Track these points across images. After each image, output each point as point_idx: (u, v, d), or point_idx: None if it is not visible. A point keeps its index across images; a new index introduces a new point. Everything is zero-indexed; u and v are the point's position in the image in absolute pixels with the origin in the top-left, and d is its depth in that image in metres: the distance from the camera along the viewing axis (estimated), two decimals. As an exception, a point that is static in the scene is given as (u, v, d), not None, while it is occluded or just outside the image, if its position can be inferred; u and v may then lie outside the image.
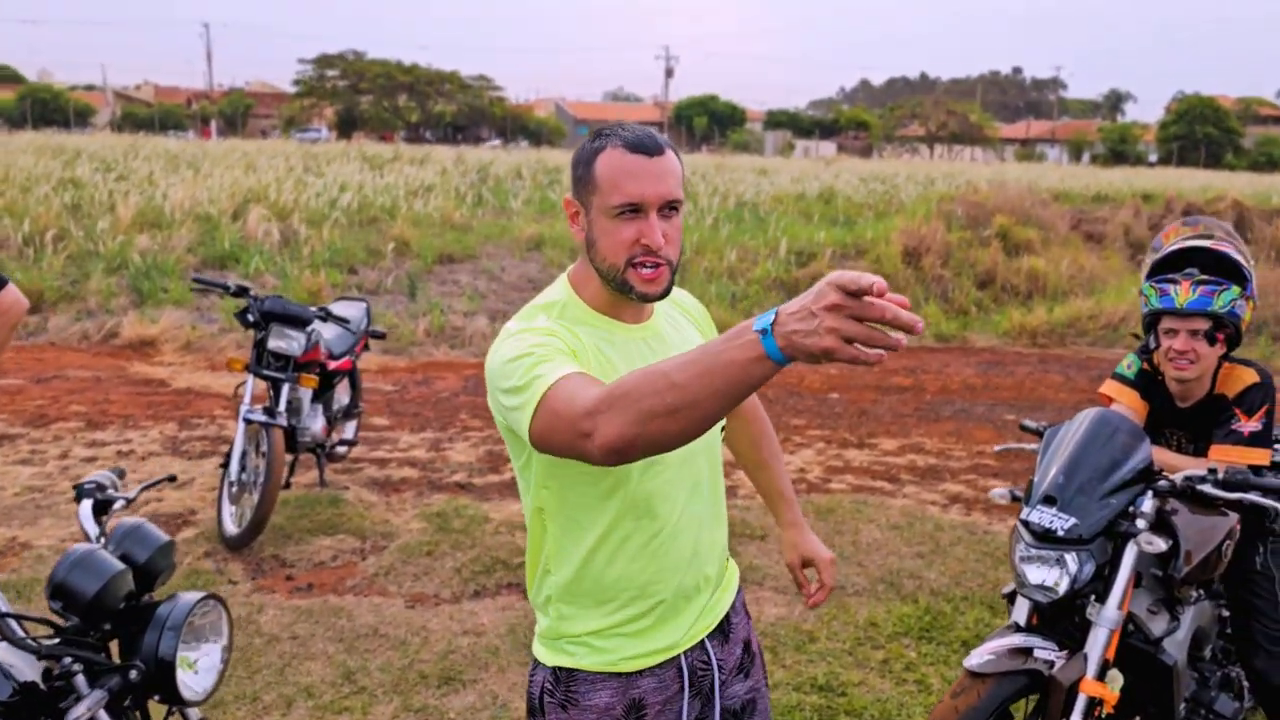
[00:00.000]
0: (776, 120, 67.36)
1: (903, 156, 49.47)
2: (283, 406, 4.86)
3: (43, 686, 1.69)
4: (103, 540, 1.79)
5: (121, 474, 2.02)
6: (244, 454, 4.79)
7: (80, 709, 1.61)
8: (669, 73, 69.20)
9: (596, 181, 1.61)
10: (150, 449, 6.37)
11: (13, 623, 1.69)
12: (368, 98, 57.64)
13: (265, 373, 4.90)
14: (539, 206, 16.71)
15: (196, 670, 1.77)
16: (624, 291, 1.63)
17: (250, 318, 4.89)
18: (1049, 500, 2.57)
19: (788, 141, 55.28)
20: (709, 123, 61.93)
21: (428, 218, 14.68)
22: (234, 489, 4.75)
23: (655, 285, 1.62)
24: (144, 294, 10.81)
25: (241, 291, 4.96)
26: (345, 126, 55.51)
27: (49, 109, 52.56)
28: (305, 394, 5.16)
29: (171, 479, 2.30)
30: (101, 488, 1.92)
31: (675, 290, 1.80)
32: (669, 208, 1.61)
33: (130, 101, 66.29)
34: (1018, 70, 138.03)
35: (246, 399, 4.89)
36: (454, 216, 14.94)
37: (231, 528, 4.71)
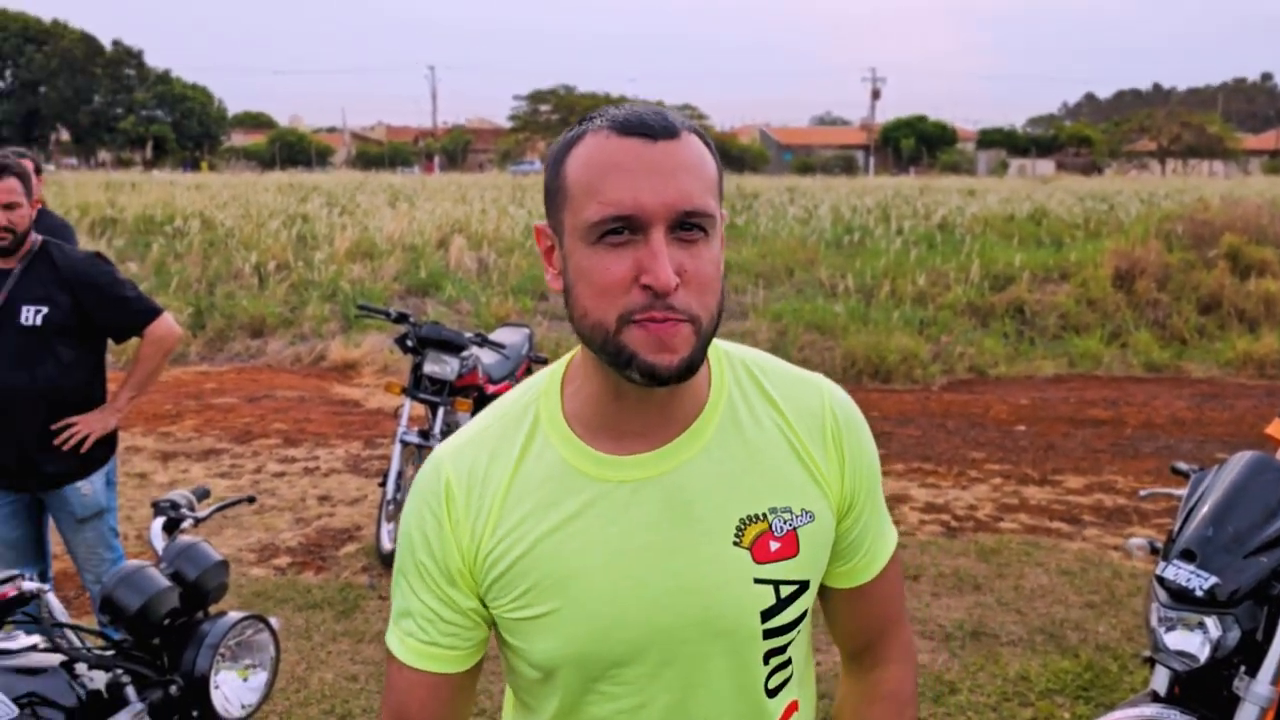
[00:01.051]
0: (990, 139, 64.76)
1: (1130, 173, 46.34)
2: (438, 429, 5.03)
3: (106, 696, 1.78)
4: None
5: (205, 494, 2.13)
6: (399, 474, 4.98)
7: (120, 717, 1.69)
8: (876, 94, 67.89)
9: (567, 188, 1.01)
10: (334, 466, 6.75)
11: (71, 634, 1.80)
12: (577, 130, 59.65)
13: (422, 396, 5.09)
14: (730, 231, 16.75)
15: (247, 680, 1.83)
16: (622, 370, 1.00)
17: (409, 343, 5.11)
18: (1188, 555, 2.28)
19: (1001, 161, 53.00)
20: (916, 144, 60.26)
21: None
22: (390, 507, 4.95)
23: (668, 355, 0.98)
24: (350, 320, 11.54)
25: (401, 318, 5.19)
26: (557, 158, 57.56)
27: (295, 150, 57.50)
28: (461, 417, 5.32)
29: (251, 500, 2.40)
30: (175, 505, 2.02)
31: (780, 371, 1.15)
32: (689, 224, 0.98)
33: (365, 141, 71.51)
34: (1267, 76, 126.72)
35: (403, 421, 5.10)
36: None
37: (387, 544, 4.91)
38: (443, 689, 1.12)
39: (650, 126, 0.98)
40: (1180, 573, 2.25)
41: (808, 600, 1.13)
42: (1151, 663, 2.42)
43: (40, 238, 3.28)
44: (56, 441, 3.23)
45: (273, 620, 1.90)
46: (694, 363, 1.00)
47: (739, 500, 1.07)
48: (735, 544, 1.07)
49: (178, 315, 11.40)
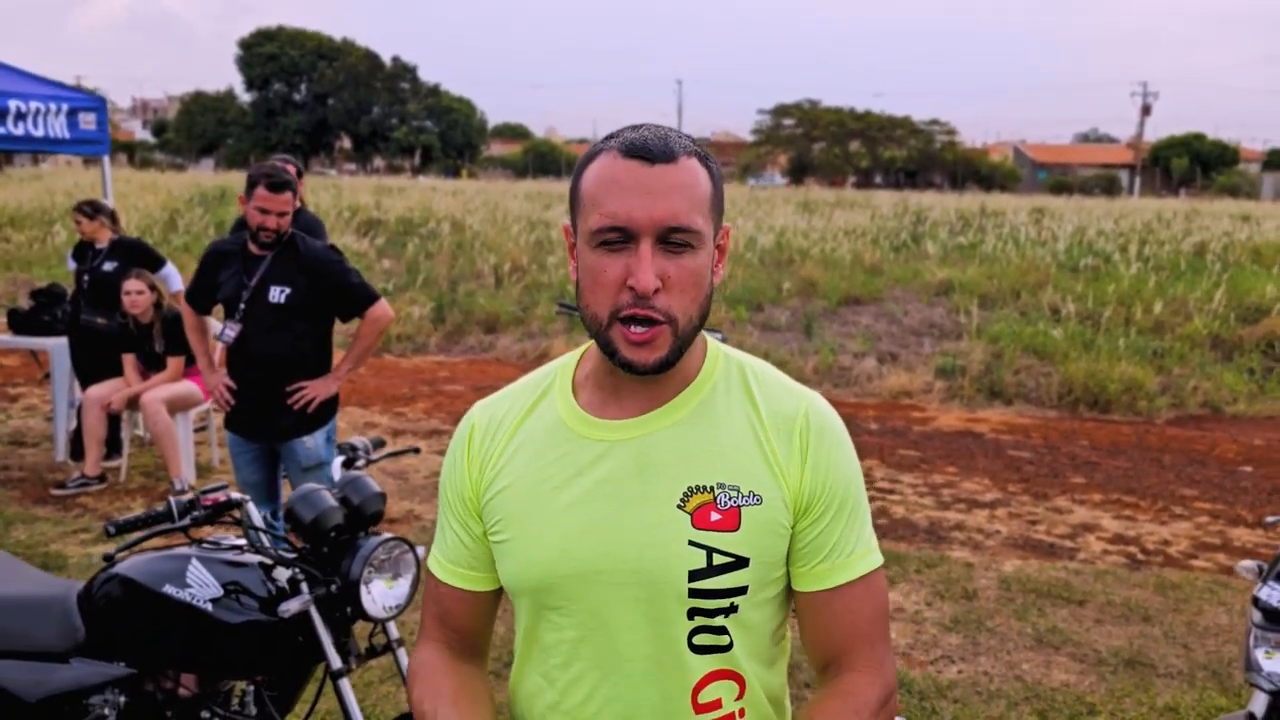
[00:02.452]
0: (1279, 160, 58.95)
1: None
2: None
3: (286, 589, 2.24)
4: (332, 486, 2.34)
5: (380, 443, 2.58)
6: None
7: (292, 605, 2.15)
8: (1146, 110, 63.39)
9: (581, 198, 1.21)
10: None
11: (264, 538, 2.28)
12: (820, 144, 59.47)
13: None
14: (959, 251, 16.35)
15: (392, 588, 2.25)
16: (610, 359, 1.20)
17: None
18: (1288, 577, 2.28)
19: (1288, 184, 48.16)
20: (1191, 164, 55.76)
21: (839, 260, 14.99)
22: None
23: (644, 353, 1.17)
24: (574, 321, 12.26)
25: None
26: (797, 173, 57.73)
27: (547, 160, 60.62)
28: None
29: (415, 451, 2.86)
30: (354, 448, 2.49)
31: (772, 379, 1.30)
32: (672, 240, 1.15)
33: (612, 153, 74.11)
34: None
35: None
36: (866, 259, 15.11)
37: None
38: (472, 602, 1.36)
39: (650, 151, 1.16)
40: (1274, 593, 2.26)
41: (745, 578, 1.21)
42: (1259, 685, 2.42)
43: (290, 230, 3.92)
44: (289, 401, 3.86)
45: (419, 549, 2.31)
46: (669, 360, 1.18)
47: (692, 471, 1.22)
48: (679, 507, 1.21)
49: (421, 309, 12.54)
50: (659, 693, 1.23)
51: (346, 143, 69.05)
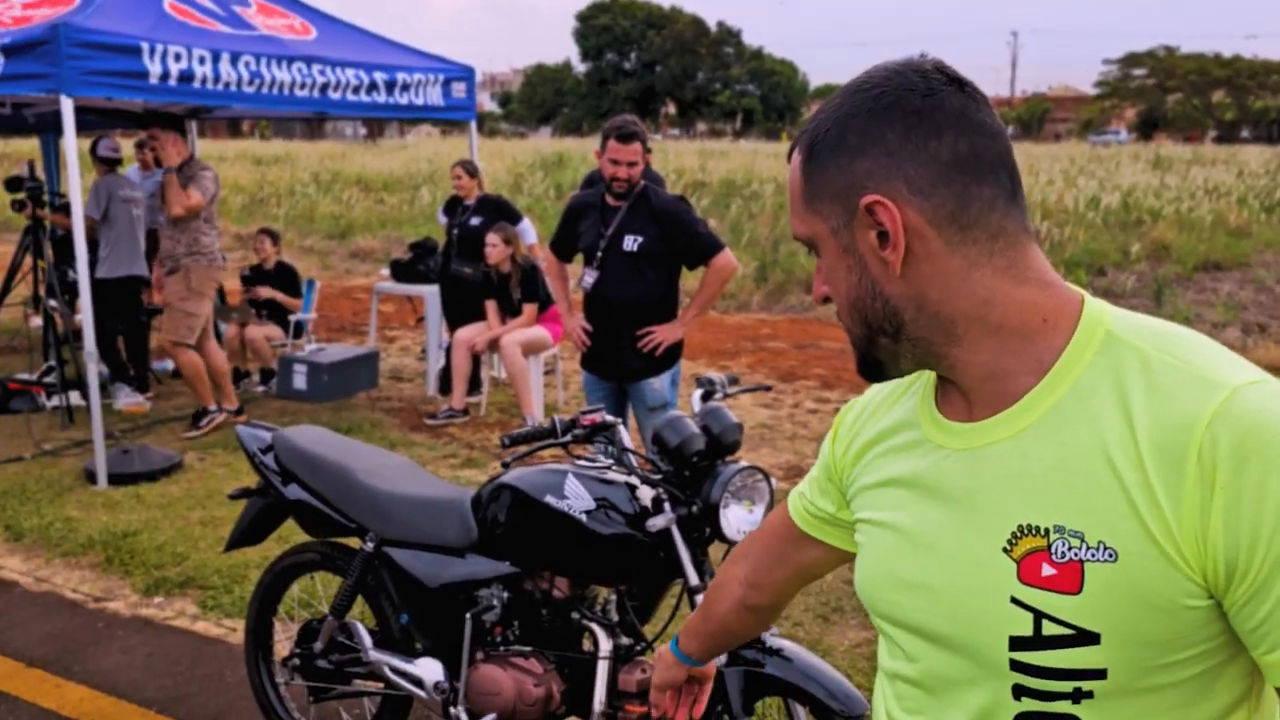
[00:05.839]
0: None
1: None
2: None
3: (650, 508, 2.43)
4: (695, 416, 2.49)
5: (735, 379, 2.71)
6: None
7: (659, 521, 2.32)
8: None
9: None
10: (862, 410, 7.30)
11: (635, 459, 2.47)
12: (1175, 96, 53.79)
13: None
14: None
15: (750, 512, 2.38)
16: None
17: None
18: None
19: None
20: None
21: (1198, 221, 13.58)
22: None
23: None
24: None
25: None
26: (1146, 128, 52.58)
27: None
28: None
29: (767, 388, 2.96)
30: (712, 382, 2.63)
31: (1173, 366, 0.89)
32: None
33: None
34: None
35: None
36: (1230, 220, 13.58)
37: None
38: (792, 542, 1.32)
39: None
40: None
41: (1098, 659, 0.89)
42: None
43: (643, 182, 4.16)
44: (639, 344, 4.12)
45: (772, 479, 2.42)
46: (862, 370, 1.05)
47: (1026, 505, 0.93)
48: (1005, 551, 0.93)
49: (744, 268, 12.77)
50: None
51: (671, 108, 71.09)
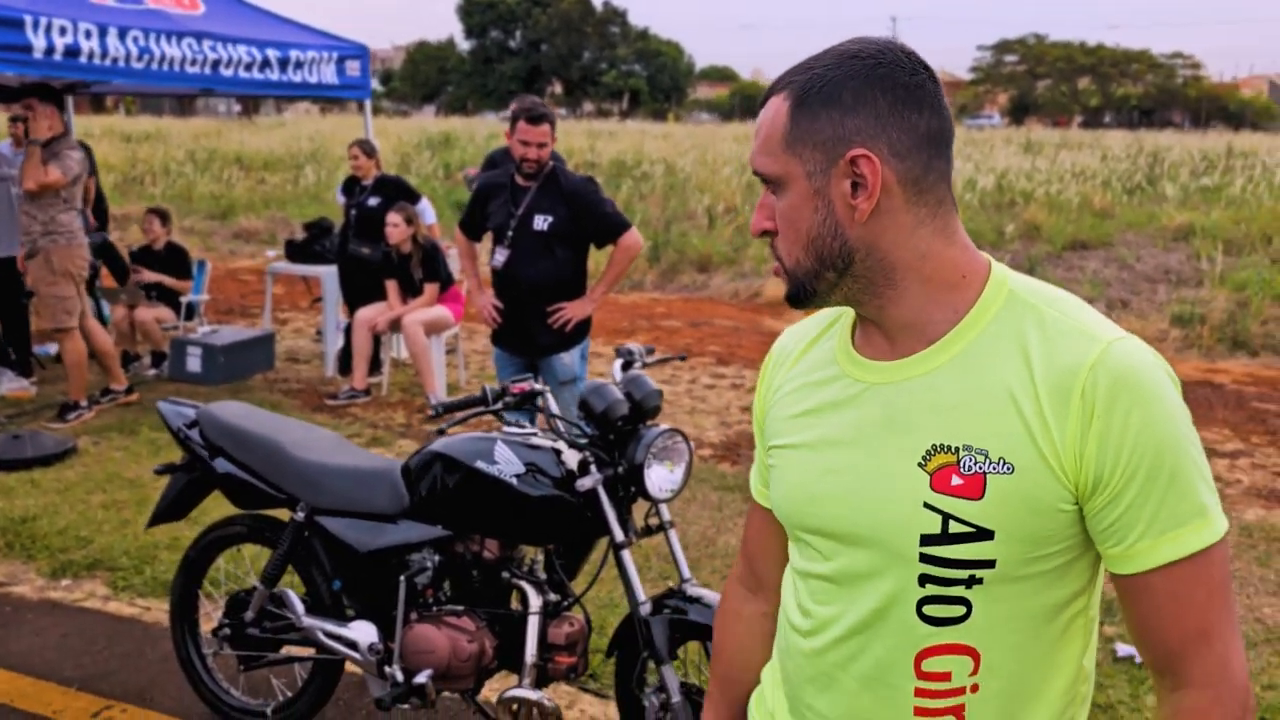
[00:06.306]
0: None
1: None
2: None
3: (575, 470, 2.58)
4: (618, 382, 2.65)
5: (650, 350, 2.88)
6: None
7: (586, 481, 2.48)
8: None
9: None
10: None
11: (561, 425, 2.62)
12: (1045, 82, 56.21)
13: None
14: (1202, 194, 15.30)
15: (672, 472, 2.55)
16: None
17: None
18: None
19: None
20: None
21: (1066, 203, 14.36)
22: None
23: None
24: (786, 261, 12.38)
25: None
26: (1018, 113, 54.87)
27: (754, 103, 60.06)
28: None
29: (682, 358, 3.15)
30: (631, 352, 2.79)
31: (1062, 321, 1.10)
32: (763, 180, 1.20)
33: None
34: None
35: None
36: (1095, 202, 14.40)
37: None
38: (766, 523, 1.40)
39: None
40: None
41: (991, 551, 1.09)
42: None
43: (552, 163, 4.28)
44: (549, 321, 4.25)
45: (690, 442, 2.60)
46: (790, 297, 1.19)
47: (938, 428, 1.11)
48: (919, 465, 1.11)
49: (639, 248, 12.97)
50: (883, 647, 1.16)
51: (558, 88, 70.71)
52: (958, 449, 1.10)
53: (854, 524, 1.16)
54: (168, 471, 3.11)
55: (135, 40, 5.98)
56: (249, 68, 6.76)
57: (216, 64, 6.54)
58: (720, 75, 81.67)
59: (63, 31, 5.59)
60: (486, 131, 26.53)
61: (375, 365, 7.04)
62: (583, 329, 4.36)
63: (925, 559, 1.11)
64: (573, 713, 3.21)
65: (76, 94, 8.41)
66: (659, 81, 66.29)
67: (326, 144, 23.10)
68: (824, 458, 1.19)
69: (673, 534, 2.66)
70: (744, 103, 59.18)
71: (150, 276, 7.47)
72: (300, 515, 2.86)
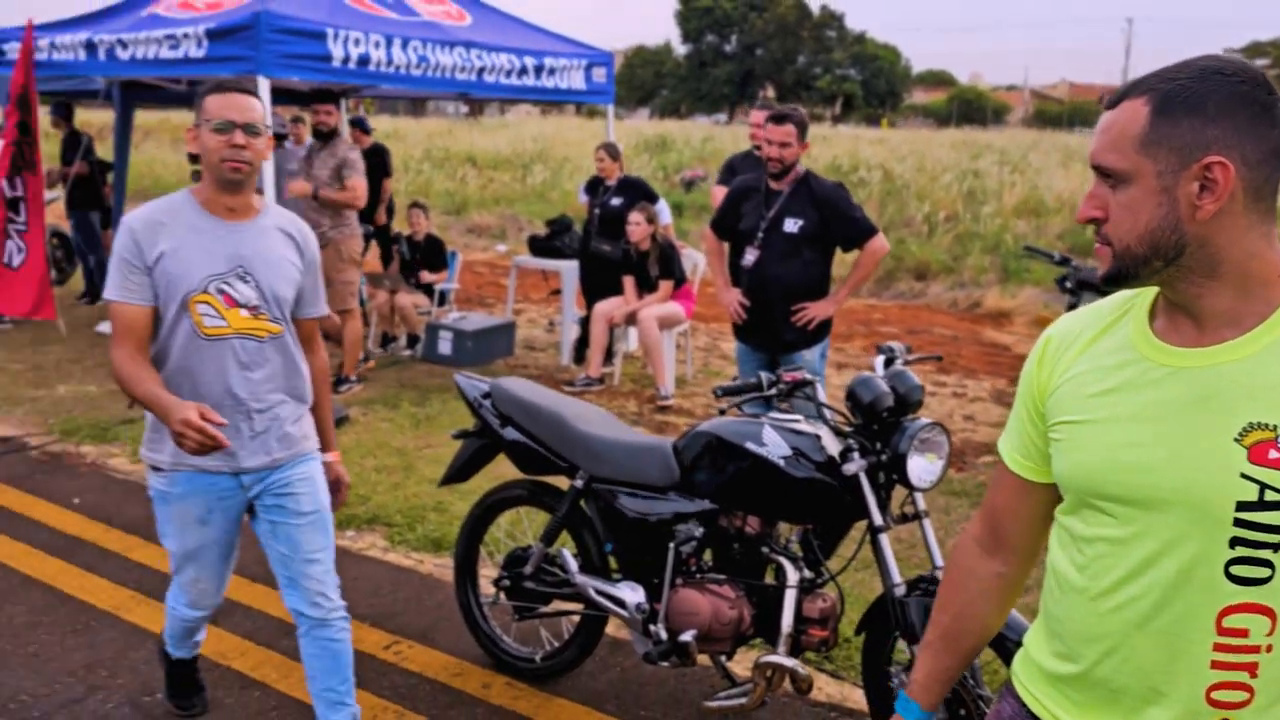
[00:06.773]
0: None
1: None
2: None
3: (837, 457, 2.77)
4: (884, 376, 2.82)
5: (909, 349, 3.03)
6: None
7: (851, 466, 2.66)
8: None
9: None
10: (979, 395, 7.50)
11: (827, 412, 2.82)
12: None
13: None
14: None
15: (931, 463, 2.70)
16: None
17: (1067, 285, 5.61)
18: None
19: None
20: None
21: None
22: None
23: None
24: (1010, 272, 12.06)
25: (1064, 261, 5.69)
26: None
27: (972, 108, 58.10)
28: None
29: (938, 359, 3.27)
30: (892, 350, 2.95)
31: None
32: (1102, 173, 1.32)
33: (1045, 99, 69.43)
34: None
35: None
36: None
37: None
38: (1021, 491, 1.51)
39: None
40: None
41: None
42: None
43: (804, 168, 4.48)
44: (793, 319, 4.45)
45: (950, 436, 2.74)
46: (1108, 277, 1.31)
47: (1255, 408, 1.22)
48: (1236, 441, 1.22)
49: (856, 253, 12.95)
50: (1185, 605, 1.26)
51: (770, 92, 70.68)
52: (1275, 426, 1.21)
53: (1161, 490, 1.26)
54: (462, 437, 3.50)
55: (415, 50, 6.60)
56: (509, 74, 7.30)
57: (481, 70, 7.11)
58: (936, 79, 79.32)
59: (356, 43, 6.25)
60: (701, 135, 26.96)
61: (608, 356, 7.44)
62: (824, 328, 4.53)
63: (1240, 523, 1.22)
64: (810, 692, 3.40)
65: (347, 96, 9.29)
66: (874, 86, 65.14)
67: (550, 145, 24.14)
68: (1126, 431, 1.30)
69: (927, 523, 2.80)
70: (962, 107, 57.27)
71: (425, 278, 8.15)
72: (579, 483, 3.18)
